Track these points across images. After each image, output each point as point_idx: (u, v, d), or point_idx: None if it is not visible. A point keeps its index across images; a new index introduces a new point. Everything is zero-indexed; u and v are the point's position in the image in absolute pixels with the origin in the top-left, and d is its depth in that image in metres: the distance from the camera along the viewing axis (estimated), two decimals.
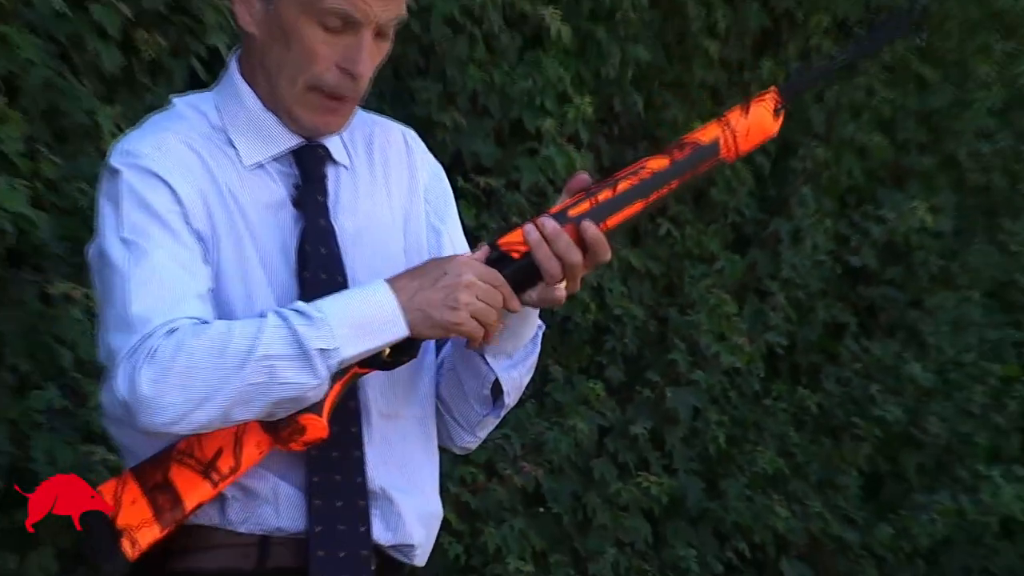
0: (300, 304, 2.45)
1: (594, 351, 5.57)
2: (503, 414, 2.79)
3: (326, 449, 2.57)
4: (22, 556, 3.62)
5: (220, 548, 2.59)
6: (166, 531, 2.49)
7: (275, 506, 2.58)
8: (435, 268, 2.51)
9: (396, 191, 2.75)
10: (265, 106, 2.63)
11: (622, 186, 2.57)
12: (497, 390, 2.71)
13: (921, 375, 6.95)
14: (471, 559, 4.93)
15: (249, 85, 2.65)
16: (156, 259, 2.49)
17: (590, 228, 2.53)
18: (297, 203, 2.64)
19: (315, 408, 2.49)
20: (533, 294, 2.56)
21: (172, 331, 2.42)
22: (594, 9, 5.54)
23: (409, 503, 2.67)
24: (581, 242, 2.53)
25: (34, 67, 3.66)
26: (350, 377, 2.52)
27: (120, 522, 2.47)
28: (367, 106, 2.75)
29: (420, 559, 2.72)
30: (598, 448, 5.54)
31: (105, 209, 2.55)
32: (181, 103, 2.68)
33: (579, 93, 5.21)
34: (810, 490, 6.38)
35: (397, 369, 2.63)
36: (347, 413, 2.59)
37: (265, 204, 2.62)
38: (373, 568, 2.60)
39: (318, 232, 2.62)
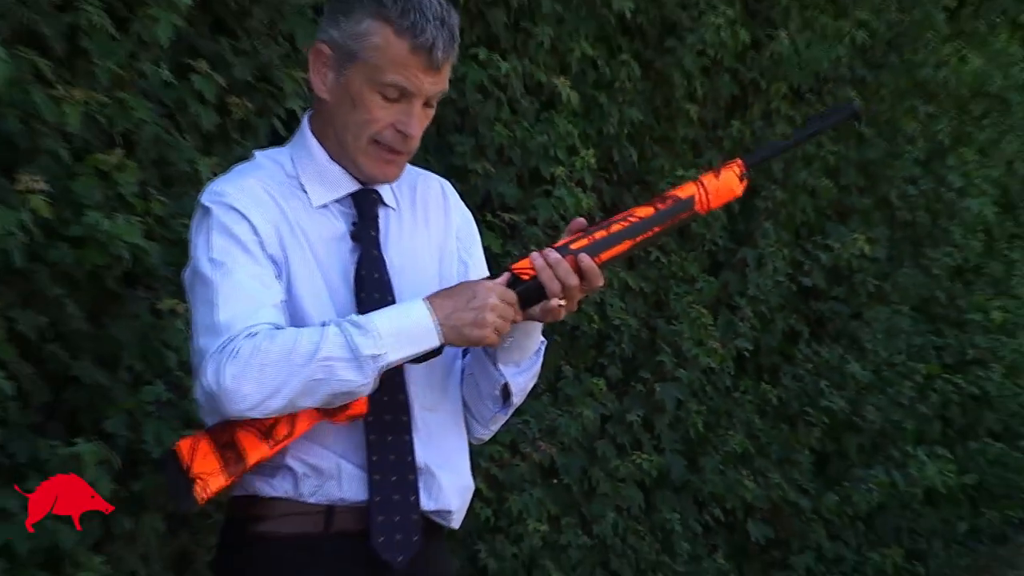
0: (355, 317, 2.48)
1: (597, 354, 5.55)
2: (511, 412, 2.78)
3: (382, 435, 2.59)
4: (136, 519, 3.59)
5: (295, 516, 2.60)
6: (231, 480, 2.50)
7: (339, 481, 2.59)
8: (466, 290, 2.53)
9: (434, 230, 2.76)
10: (331, 158, 2.65)
11: (614, 228, 2.60)
12: (506, 392, 2.71)
13: (860, 373, 6.92)
14: (498, 521, 4.91)
15: (319, 141, 2.66)
16: (238, 276, 2.51)
17: (585, 259, 2.56)
18: (355, 236, 2.65)
19: None
20: (536, 310, 2.57)
21: (252, 335, 2.43)
22: (597, 79, 5.52)
23: (447, 477, 2.68)
24: (579, 270, 2.56)
25: (147, 125, 3.64)
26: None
27: (194, 471, 2.47)
28: (419, 160, 2.74)
29: (456, 522, 2.73)
30: (601, 431, 5.51)
31: (198, 238, 2.57)
32: (261, 156, 2.70)
33: (585, 146, 5.19)
34: (771, 466, 6.35)
35: (435, 372, 2.68)
36: (398, 406, 2.61)
37: (329, 237, 2.63)
38: (419, 534, 2.61)
39: (371, 260, 2.63)
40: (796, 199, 6.70)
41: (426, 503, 2.63)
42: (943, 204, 7.86)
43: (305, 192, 2.64)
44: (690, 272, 5.93)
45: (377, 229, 2.66)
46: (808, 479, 6.55)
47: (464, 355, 2.75)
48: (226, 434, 2.50)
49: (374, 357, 2.45)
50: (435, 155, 4.77)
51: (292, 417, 2.49)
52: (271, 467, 2.59)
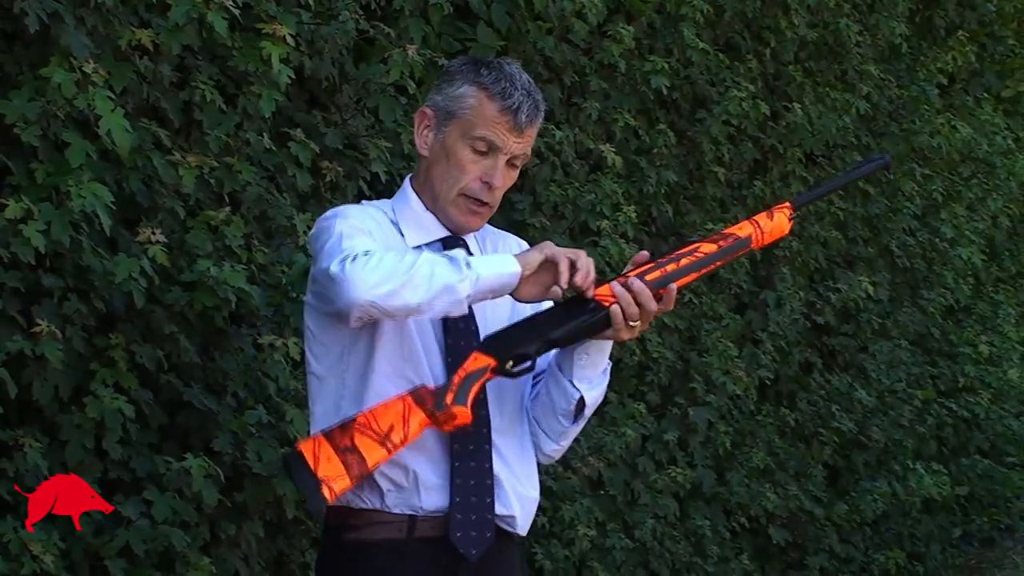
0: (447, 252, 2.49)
1: (638, 382, 5.47)
2: (580, 428, 2.73)
3: (465, 444, 2.57)
4: (238, 526, 3.55)
5: (381, 524, 2.58)
6: (353, 483, 2.47)
7: (418, 493, 2.56)
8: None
9: None
10: (426, 208, 2.66)
11: (684, 262, 2.58)
12: (579, 407, 2.66)
13: (866, 398, 6.81)
14: (553, 527, 4.84)
15: (417, 194, 2.68)
16: (357, 236, 2.52)
17: (672, 288, 2.56)
18: None
19: (462, 401, 2.47)
20: (610, 331, 2.57)
21: (368, 252, 2.43)
22: (638, 146, 5.48)
23: (514, 488, 2.65)
24: (656, 296, 2.54)
25: (250, 186, 3.65)
26: (483, 382, 2.51)
27: (320, 474, 2.44)
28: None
29: (522, 529, 2.69)
30: (641, 449, 5.43)
31: (323, 234, 2.57)
32: (367, 203, 2.75)
33: (627, 203, 5.14)
34: (789, 479, 6.24)
35: (507, 401, 2.66)
36: (480, 420, 2.58)
37: None
38: (492, 531, 2.60)
39: None
40: (810, 249, 6.62)
41: (496, 509, 2.61)
42: (937, 253, 7.77)
43: (402, 235, 2.64)
44: (718, 311, 5.86)
45: None
46: (821, 490, 6.43)
47: (535, 383, 2.73)
48: (345, 438, 2.47)
49: (468, 264, 2.43)
50: (498, 211, 4.69)
51: (405, 424, 2.47)
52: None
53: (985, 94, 8.67)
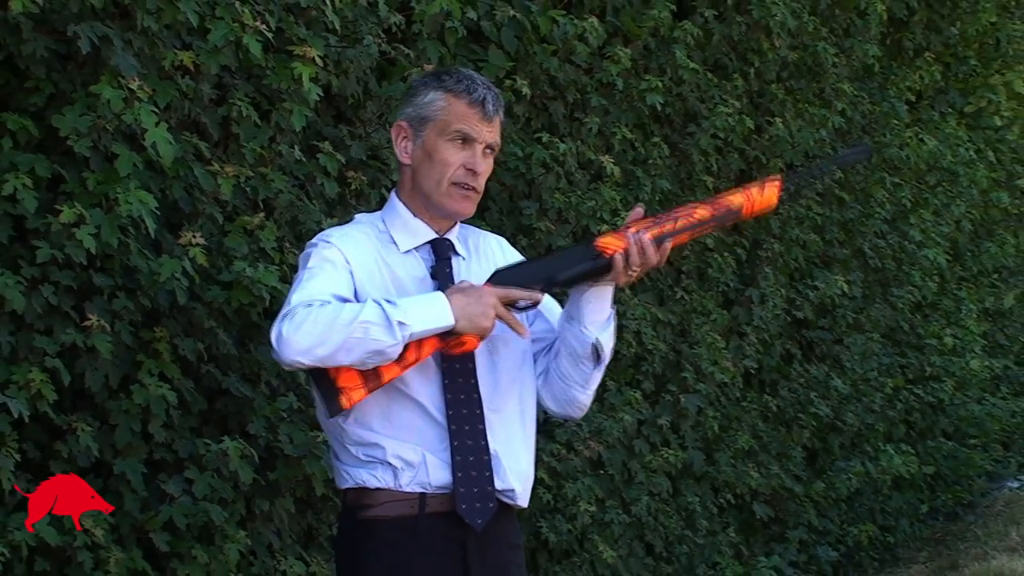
0: (388, 298, 2.52)
1: (635, 371, 5.45)
2: (604, 369, 2.73)
3: (461, 425, 2.58)
4: (271, 502, 3.54)
5: (394, 502, 2.60)
6: (368, 394, 2.49)
7: (426, 471, 2.58)
8: (474, 291, 2.56)
9: (490, 272, 2.73)
10: (414, 215, 2.67)
11: (680, 223, 2.63)
12: (596, 349, 2.69)
13: (841, 386, 6.79)
14: (557, 503, 4.82)
15: (404, 203, 2.69)
16: (319, 275, 2.55)
17: (667, 246, 2.62)
18: (433, 275, 2.67)
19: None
20: (610, 276, 2.63)
21: (309, 304, 2.47)
22: (635, 157, 5.45)
23: (510, 463, 2.65)
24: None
25: (282, 194, 3.64)
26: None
27: (339, 384, 2.47)
28: (495, 221, 2.71)
29: (521, 501, 2.70)
30: (637, 432, 5.40)
31: (303, 261, 2.63)
32: (360, 216, 2.78)
33: (625, 210, 5.10)
34: (771, 459, 6.21)
35: (500, 381, 2.67)
36: (472, 402, 2.61)
37: (413, 277, 2.66)
38: (495, 502, 2.61)
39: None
40: (790, 250, 6.59)
41: (495, 483, 2.61)
42: (906, 254, 7.73)
43: (394, 243, 2.67)
44: (707, 307, 5.83)
45: (451, 268, 2.68)
46: (800, 469, 6.40)
47: (549, 351, 2.75)
48: None
49: (401, 324, 2.46)
50: (508, 217, 4.72)
51: (419, 346, 2.50)
52: (376, 462, 2.58)
53: (949, 109, 8.65)
